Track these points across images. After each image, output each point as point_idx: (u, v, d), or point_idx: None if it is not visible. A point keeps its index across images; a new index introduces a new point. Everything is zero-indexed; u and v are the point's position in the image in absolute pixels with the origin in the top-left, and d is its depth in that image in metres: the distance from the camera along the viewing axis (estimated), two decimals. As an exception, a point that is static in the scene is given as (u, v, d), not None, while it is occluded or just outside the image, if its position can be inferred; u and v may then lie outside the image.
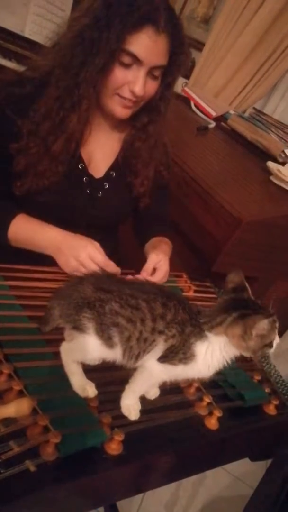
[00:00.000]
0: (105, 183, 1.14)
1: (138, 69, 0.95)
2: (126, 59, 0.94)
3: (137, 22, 0.90)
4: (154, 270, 1.02)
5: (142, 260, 1.04)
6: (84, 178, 1.10)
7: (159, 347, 0.71)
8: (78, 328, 0.71)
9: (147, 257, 1.04)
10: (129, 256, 1.29)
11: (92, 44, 0.91)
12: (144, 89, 0.98)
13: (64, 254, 0.96)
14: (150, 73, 0.97)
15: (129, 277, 0.96)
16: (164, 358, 0.71)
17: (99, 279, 0.74)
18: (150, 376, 0.74)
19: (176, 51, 0.98)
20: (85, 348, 0.72)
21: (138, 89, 0.96)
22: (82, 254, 0.94)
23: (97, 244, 0.97)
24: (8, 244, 1.02)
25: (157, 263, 1.02)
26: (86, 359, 0.74)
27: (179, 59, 1.01)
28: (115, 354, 0.72)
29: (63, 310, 0.73)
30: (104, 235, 1.09)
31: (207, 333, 0.71)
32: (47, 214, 1.03)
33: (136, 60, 0.94)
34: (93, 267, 0.93)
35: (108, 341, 0.71)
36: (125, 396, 0.74)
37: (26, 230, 1.01)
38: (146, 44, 0.92)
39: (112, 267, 0.96)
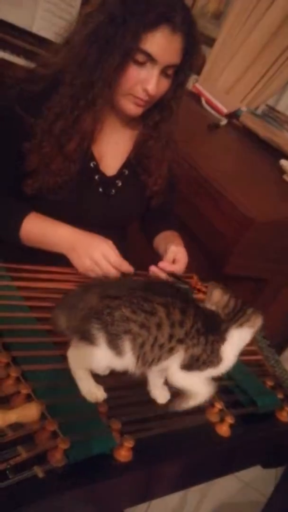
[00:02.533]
0: (117, 181, 1.13)
1: (152, 68, 0.94)
2: (141, 58, 0.93)
3: (154, 21, 0.89)
4: (174, 261, 1.02)
5: (147, 259, 1.03)
6: (96, 176, 1.09)
7: (179, 355, 0.70)
8: (87, 339, 0.69)
9: (164, 250, 1.05)
10: (131, 255, 1.28)
11: (107, 42, 0.90)
12: (157, 88, 0.97)
13: (78, 253, 0.96)
14: (163, 71, 0.97)
15: (153, 267, 0.97)
16: (189, 367, 0.70)
17: (105, 285, 0.71)
18: (171, 383, 0.74)
19: (189, 50, 0.97)
20: (94, 358, 0.70)
21: (151, 87, 0.96)
22: (96, 253, 0.94)
23: (110, 243, 0.97)
24: (19, 243, 1.01)
25: (177, 254, 1.03)
26: (94, 368, 0.72)
27: (192, 59, 1.00)
28: (126, 363, 0.70)
29: (70, 322, 0.71)
30: (115, 234, 1.07)
31: (231, 330, 0.72)
32: (59, 213, 1.02)
33: (151, 58, 0.93)
34: (107, 266, 0.93)
35: (119, 351, 0.69)
36: (160, 393, 0.76)
37: (39, 229, 1.00)
38: (161, 44, 0.91)
39: (126, 266, 0.95)
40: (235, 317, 0.73)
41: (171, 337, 0.68)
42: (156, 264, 0.99)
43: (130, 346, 0.68)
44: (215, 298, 0.74)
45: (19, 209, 1.03)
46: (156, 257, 1.05)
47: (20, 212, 1.01)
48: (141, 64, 0.93)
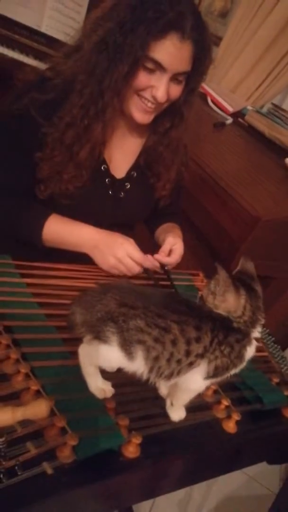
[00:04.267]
0: (126, 184, 1.13)
1: (161, 75, 0.94)
2: (150, 65, 0.92)
3: (162, 29, 0.87)
4: (170, 252, 1.05)
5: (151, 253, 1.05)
6: (107, 179, 1.09)
7: (201, 369, 0.70)
8: (101, 339, 0.69)
9: (162, 240, 1.08)
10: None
11: (116, 51, 0.89)
12: (166, 95, 0.96)
13: (102, 252, 0.98)
14: (174, 78, 0.96)
15: (148, 256, 0.99)
16: (214, 376, 0.71)
17: (123, 292, 0.71)
18: (195, 393, 0.75)
19: (200, 56, 0.96)
20: (106, 357, 0.70)
21: (161, 95, 0.95)
22: (120, 252, 0.96)
23: (132, 241, 0.99)
24: (41, 244, 1.02)
25: (173, 246, 1.05)
26: (105, 366, 0.72)
27: (203, 65, 0.98)
28: (137, 368, 0.70)
29: (86, 320, 0.71)
30: (123, 232, 1.08)
31: (252, 331, 0.73)
32: (71, 215, 1.03)
33: (160, 66, 0.92)
34: (131, 264, 0.96)
35: (131, 356, 0.69)
36: (175, 412, 0.75)
37: (63, 230, 1.02)
38: (170, 52, 0.90)
39: (148, 263, 0.99)
40: (253, 323, 0.73)
41: (188, 353, 0.68)
42: (153, 253, 1.02)
43: (142, 355, 0.68)
44: (229, 305, 0.72)
45: (40, 211, 1.03)
46: (156, 249, 1.07)
47: (42, 214, 1.02)
48: (150, 71, 0.93)
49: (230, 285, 0.71)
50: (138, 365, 0.69)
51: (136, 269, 0.98)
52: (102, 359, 0.71)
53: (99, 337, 0.69)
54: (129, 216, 1.19)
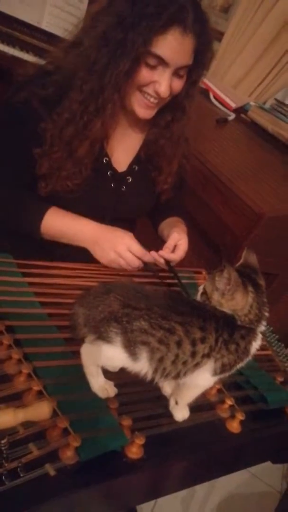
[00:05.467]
0: (128, 177, 1.13)
1: (164, 70, 0.93)
2: (152, 61, 0.91)
3: (164, 23, 0.86)
4: (175, 247, 1.04)
5: (152, 248, 1.03)
6: (108, 172, 1.09)
7: (208, 367, 0.70)
8: (105, 339, 0.68)
9: (167, 235, 1.07)
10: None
11: (117, 47, 0.88)
12: (169, 90, 0.96)
13: (101, 247, 0.98)
14: (175, 72, 0.95)
15: (153, 252, 0.99)
16: (221, 373, 0.71)
17: (126, 292, 0.70)
18: (203, 389, 0.74)
19: (201, 49, 0.95)
20: (109, 357, 0.69)
21: (163, 90, 0.95)
22: (120, 246, 0.96)
23: (132, 235, 0.99)
24: (39, 237, 1.02)
25: (178, 241, 1.04)
26: (108, 365, 0.72)
27: (205, 57, 0.98)
28: (141, 369, 0.69)
29: (89, 320, 0.70)
30: (124, 226, 1.08)
31: (259, 326, 0.72)
32: (74, 210, 1.03)
33: (162, 62, 0.91)
34: (131, 258, 0.96)
35: (135, 357, 0.68)
36: (179, 411, 0.74)
37: (61, 223, 1.01)
38: (173, 46, 0.89)
39: (148, 257, 0.98)
40: (260, 314, 0.73)
41: (194, 353, 0.68)
42: (157, 250, 1.01)
43: (146, 356, 0.67)
44: (238, 306, 0.72)
45: (40, 203, 1.03)
46: (161, 243, 1.06)
47: (41, 207, 1.02)
48: (152, 66, 0.92)
49: (240, 285, 0.71)
50: (142, 366, 0.68)
51: (136, 263, 0.97)
52: (105, 358, 0.70)
53: (103, 337, 0.68)
54: (131, 210, 1.18)
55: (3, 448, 0.57)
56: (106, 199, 1.10)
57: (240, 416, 0.79)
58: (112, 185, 1.10)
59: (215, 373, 0.71)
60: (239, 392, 0.86)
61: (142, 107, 0.99)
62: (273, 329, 1.14)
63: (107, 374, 0.72)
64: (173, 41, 0.89)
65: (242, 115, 2.16)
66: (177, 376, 0.69)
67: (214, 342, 0.68)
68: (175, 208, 1.27)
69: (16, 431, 0.61)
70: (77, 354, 0.73)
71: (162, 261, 1.01)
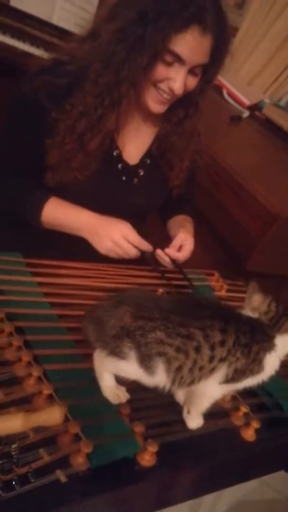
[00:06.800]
0: (140, 170, 1.12)
1: (180, 68, 0.93)
2: (169, 58, 0.91)
3: (184, 22, 0.87)
4: (180, 247, 1.05)
5: (163, 244, 1.05)
6: (119, 165, 1.08)
7: (221, 373, 0.67)
8: (117, 355, 0.66)
9: (173, 235, 1.08)
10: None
11: (135, 42, 0.88)
12: (183, 88, 0.96)
13: (99, 236, 0.98)
14: (191, 70, 0.95)
15: (158, 250, 1.00)
16: (231, 381, 0.69)
17: (137, 303, 0.68)
18: (212, 398, 0.72)
19: (219, 48, 0.95)
20: (123, 372, 0.68)
21: (178, 88, 0.94)
22: (116, 234, 0.96)
23: (129, 224, 0.99)
24: (39, 226, 1.02)
25: (184, 241, 1.05)
26: (121, 375, 0.70)
27: (221, 57, 0.98)
28: (157, 382, 0.67)
29: (99, 337, 0.68)
30: (136, 222, 1.07)
31: (277, 336, 0.70)
32: (82, 201, 1.02)
33: (179, 59, 0.91)
34: (128, 246, 0.96)
35: (151, 371, 0.66)
36: (193, 420, 0.72)
37: (61, 213, 1.02)
38: (191, 45, 0.90)
39: (145, 246, 0.99)
40: (278, 324, 0.71)
41: (211, 358, 0.66)
42: (163, 247, 1.02)
43: (163, 368, 0.65)
44: (255, 303, 0.72)
45: (40, 193, 1.03)
46: (168, 241, 1.07)
47: (42, 196, 1.02)
48: (169, 63, 0.92)
49: (258, 290, 0.70)
50: (159, 379, 0.67)
51: (133, 252, 0.97)
52: (119, 371, 0.69)
53: (115, 353, 0.66)
54: (143, 204, 1.17)
55: (13, 453, 0.56)
56: (117, 193, 1.10)
57: (255, 424, 0.77)
58: (124, 178, 1.10)
59: (226, 379, 0.68)
60: (254, 399, 0.84)
61: (156, 102, 1.00)
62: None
63: (120, 379, 0.71)
64: (192, 40, 0.89)
65: (257, 113, 2.13)
66: (191, 383, 0.67)
67: (232, 344, 0.67)
68: (186, 204, 1.27)
69: (26, 436, 0.59)
70: (88, 357, 0.71)
71: (167, 259, 1.02)
